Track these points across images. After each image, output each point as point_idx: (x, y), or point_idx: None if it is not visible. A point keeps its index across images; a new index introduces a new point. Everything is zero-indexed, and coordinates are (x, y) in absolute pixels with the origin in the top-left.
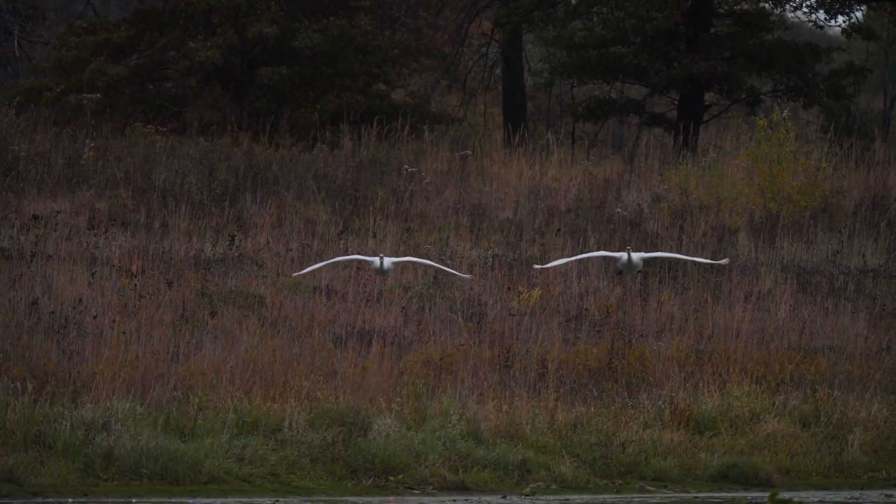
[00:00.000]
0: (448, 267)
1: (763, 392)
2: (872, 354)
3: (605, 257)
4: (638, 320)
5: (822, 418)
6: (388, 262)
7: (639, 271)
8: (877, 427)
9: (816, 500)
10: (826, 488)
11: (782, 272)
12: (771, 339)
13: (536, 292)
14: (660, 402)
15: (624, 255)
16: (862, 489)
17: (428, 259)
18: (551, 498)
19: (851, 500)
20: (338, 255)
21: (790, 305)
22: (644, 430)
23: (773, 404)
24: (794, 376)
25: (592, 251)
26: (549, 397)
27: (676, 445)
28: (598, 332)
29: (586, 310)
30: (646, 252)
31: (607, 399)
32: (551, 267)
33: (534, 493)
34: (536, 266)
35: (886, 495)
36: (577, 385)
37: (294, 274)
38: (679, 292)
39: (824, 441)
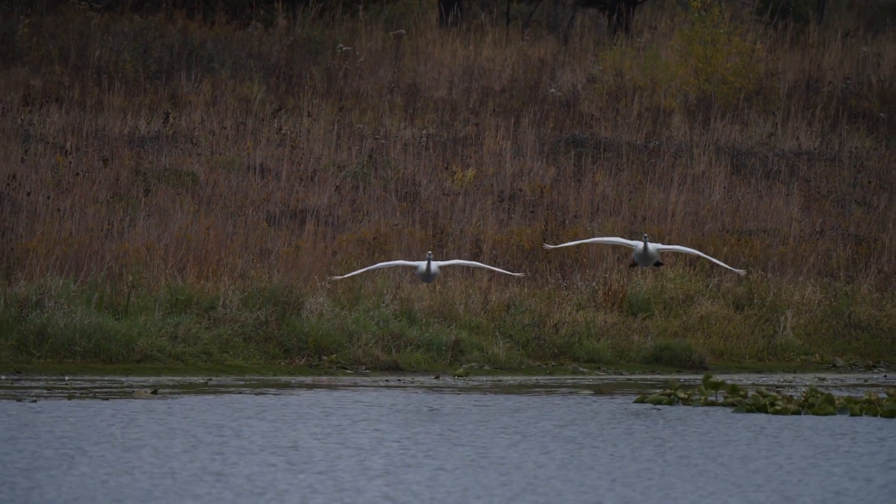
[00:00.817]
0: (490, 265)
1: (697, 274)
2: (806, 237)
3: (618, 245)
4: (572, 201)
5: (756, 301)
6: (434, 266)
7: (656, 263)
8: (810, 310)
9: (749, 382)
10: (759, 371)
11: (716, 154)
12: (705, 221)
13: (470, 172)
14: (593, 284)
15: (640, 244)
16: (794, 372)
17: (477, 261)
18: (484, 379)
19: (784, 383)
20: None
21: (724, 188)
22: (577, 311)
23: (707, 286)
24: (728, 259)
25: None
26: (483, 278)
27: (610, 327)
28: (531, 212)
29: (520, 190)
30: (663, 244)
31: (541, 280)
32: (563, 247)
33: (467, 374)
34: (548, 246)
35: (819, 378)
36: (511, 266)
37: (334, 278)
38: (613, 173)
39: (757, 324)
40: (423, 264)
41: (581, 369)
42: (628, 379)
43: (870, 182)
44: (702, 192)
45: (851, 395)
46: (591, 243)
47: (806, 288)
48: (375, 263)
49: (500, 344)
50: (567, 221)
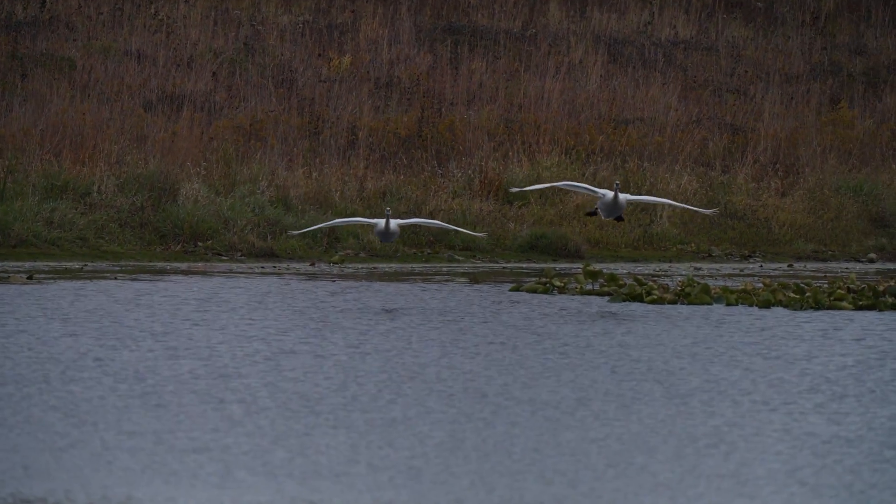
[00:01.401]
0: (455, 224)
1: (573, 163)
2: (682, 126)
3: (581, 191)
4: (448, 89)
5: (632, 190)
6: (393, 223)
7: (617, 217)
8: (686, 199)
9: (626, 271)
10: (635, 260)
11: (593, 43)
12: (581, 109)
13: (347, 59)
14: (469, 172)
15: (608, 193)
16: (670, 262)
17: (436, 220)
18: (359, 266)
19: (660, 272)
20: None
21: (601, 76)
22: (453, 199)
23: (583, 175)
24: (605, 147)
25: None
26: (359, 165)
27: (486, 215)
28: (408, 100)
29: (397, 77)
30: (632, 195)
31: (417, 168)
32: (530, 190)
33: (342, 261)
34: (513, 189)
35: (695, 268)
36: (387, 153)
37: (291, 233)
38: (490, 61)
39: (633, 213)
40: (381, 222)
41: (457, 257)
42: (504, 267)
43: (746, 72)
44: (578, 80)
45: (727, 284)
46: (555, 187)
47: (682, 177)
48: (333, 220)
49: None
50: (443, 109)
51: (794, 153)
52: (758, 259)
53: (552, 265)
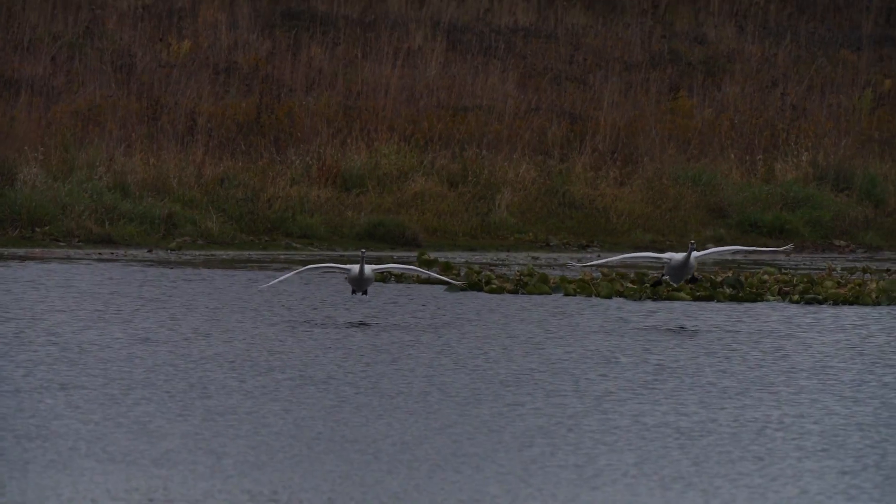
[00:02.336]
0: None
1: (411, 150)
2: (521, 114)
3: (647, 262)
4: (287, 75)
5: (471, 178)
6: (368, 269)
7: (691, 279)
8: (524, 188)
9: (463, 260)
10: (473, 249)
11: (433, 30)
12: (420, 96)
13: (186, 44)
14: (308, 159)
15: (676, 256)
16: (508, 251)
17: (411, 266)
18: (197, 253)
19: (498, 262)
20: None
21: (440, 63)
22: (291, 186)
23: (422, 163)
24: (443, 135)
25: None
26: (198, 151)
27: (324, 203)
28: (247, 86)
29: (236, 63)
30: (699, 251)
31: (255, 154)
32: (597, 265)
33: (180, 248)
34: (574, 264)
35: (533, 257)
36: (226, 139)
37: (261, 287)
38: (329, 47)
39: (472, 201)
40: (355, 268)
41: (294, 245)
42: (342, 255)
43: (586, 60)
44: (417, 67)
45: (565, 274)
46: (622, 261)
47: (521, 166)
48: (305, 266)
49: (214, 218)
50: (282, 95)
51: (633, 142)
52: (596, 249)
53: (390, 253)
